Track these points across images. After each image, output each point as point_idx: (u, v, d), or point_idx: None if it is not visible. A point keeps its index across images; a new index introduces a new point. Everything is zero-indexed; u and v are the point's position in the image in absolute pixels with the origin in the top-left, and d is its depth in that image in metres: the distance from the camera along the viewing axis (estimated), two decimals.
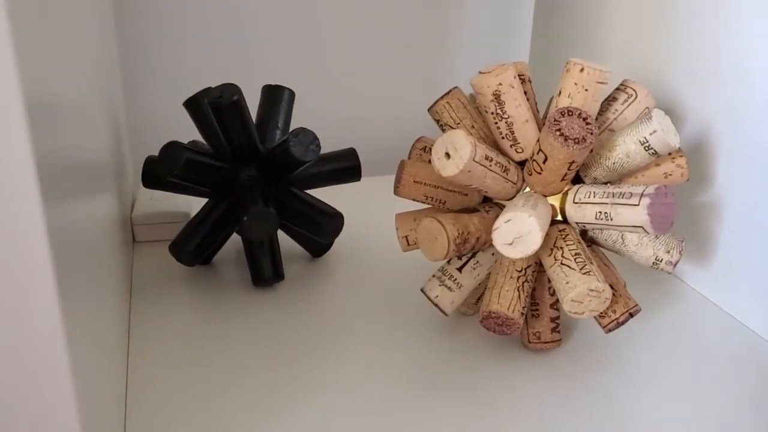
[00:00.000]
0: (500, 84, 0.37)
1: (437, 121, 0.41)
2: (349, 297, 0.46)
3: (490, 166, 0.36)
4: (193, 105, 0.47)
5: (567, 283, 0.35)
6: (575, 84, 0.38)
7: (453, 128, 0.40)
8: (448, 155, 0.36)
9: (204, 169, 0.44)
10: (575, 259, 0.36)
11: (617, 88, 0.42)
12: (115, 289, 0.37)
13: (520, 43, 0.72)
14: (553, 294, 0.40)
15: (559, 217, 0.39)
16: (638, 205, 0.35)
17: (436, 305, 0.40)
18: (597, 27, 0.57)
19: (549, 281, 0.40)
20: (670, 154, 0.40)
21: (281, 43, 0.67)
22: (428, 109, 0.41)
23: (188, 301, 0.46)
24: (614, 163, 0.38)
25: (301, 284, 0.48)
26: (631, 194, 0.35)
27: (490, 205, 0.40)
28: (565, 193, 0.38)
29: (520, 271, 0.38)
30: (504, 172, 0.37)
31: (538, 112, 0.41)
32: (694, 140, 0.47)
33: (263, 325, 0.43)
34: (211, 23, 0.65)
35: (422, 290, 0.40)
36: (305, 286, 0.48)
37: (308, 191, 0.50)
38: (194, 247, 0.46)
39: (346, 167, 0.49)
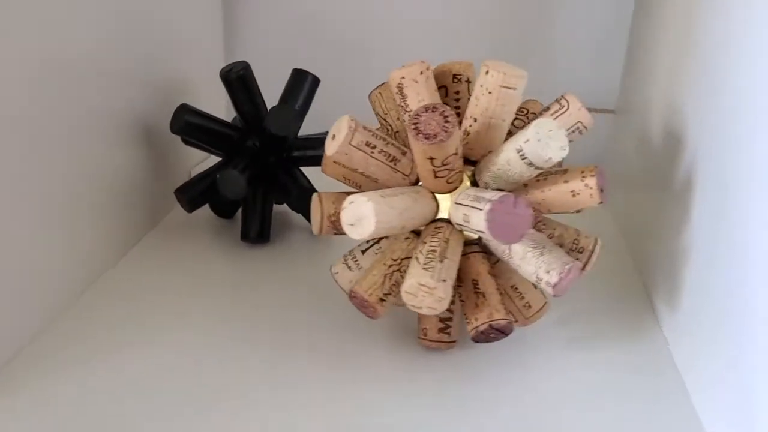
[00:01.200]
0: (403, 78, 0.38)
1: (373, 108, 0.43)
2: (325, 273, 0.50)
3: (372, 153, 0.38)
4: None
5: (408, 274, 0.36)
6: (480, 86, 0.37)
7: (380, 118, 0.42)
8: (333, 137, 0.38)
9: (204, 132, 0.51)
10: (426, 254, 0.36)
11: (556, 100, 0.40)
12: (122, 223, 0.45)
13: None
14: (455, 296, 0.40)
15: (446, 215, 0.39)
16: (482, 210, 0.34)
17: (335, 281, 0.42)
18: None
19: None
20: (582, 172, 0.37)
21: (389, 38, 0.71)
22: (368, 96, 0.43)
23: (188, 249, 0.53)
24: (498, 169, 0.37)
25: (292, 253, 0.53)
26: (483, 199, 0.34)
27: None
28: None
29: (395, 261, 0.39)
30: (391, 161, 0.38)
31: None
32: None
33: (241, 279, 0.49)
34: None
35: (330, 267, 0.43)
36: (295, 256, 0.52)
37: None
38: (192, 196, 0.52)
39: None
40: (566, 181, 0.38)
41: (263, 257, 0.51)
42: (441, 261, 0.36)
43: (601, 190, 0.37)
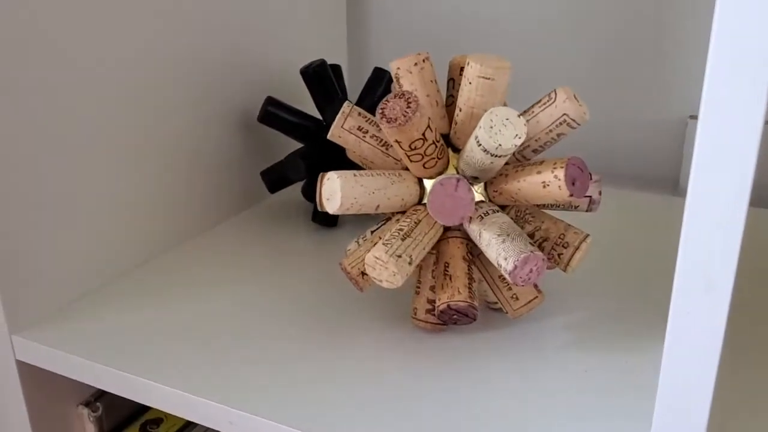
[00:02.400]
0: (398, 68, 0.41)
1: None
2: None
3: (364, 137, 0.41)
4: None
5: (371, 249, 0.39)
6: (464, 77, 0.39)
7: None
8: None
9: (282, 122, 0.57)
10: (393, 232, 0.39)
11: (548, 93, 0.40)
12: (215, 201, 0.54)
13: None
14: (434, 277, 0.42)
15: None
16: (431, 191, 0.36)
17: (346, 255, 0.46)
18: None
19: (433, 264, 0.42)
20: (555, 163, 0.37)
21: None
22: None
23: (270, 228, 0.59)
24: (467, 156, 0.38)
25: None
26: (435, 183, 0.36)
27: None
28: None
29: (380, 239, 0.42)
30: (383, 146, 0.41)
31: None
32: None
33: (298, 270, 0.54)
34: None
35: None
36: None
37: None
38: (272, 179, 0.59)
39: None
40: (539, 172, 0.38)
41: (327, 239, 0.56)
42: (403, 239, 0.38)
43: (573, 183, 0.37)
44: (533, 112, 0.39)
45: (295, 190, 0.66)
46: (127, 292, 0.48)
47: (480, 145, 0.36)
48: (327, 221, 0.57)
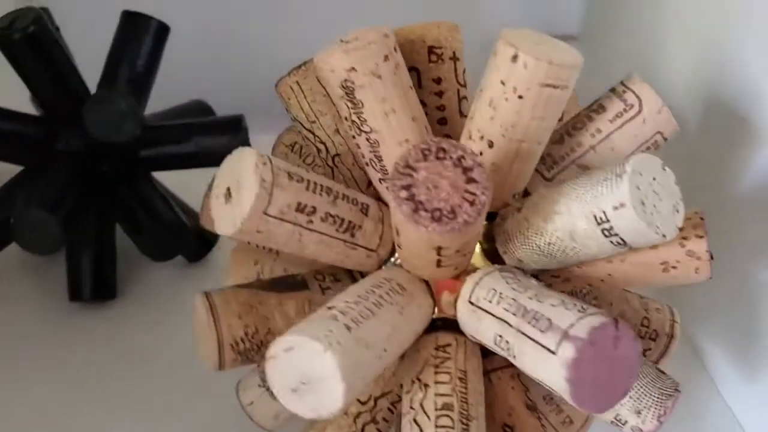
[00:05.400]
0: (353, 70, 0.20)
1: (286, 110, 0.24)
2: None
3: (310, 223, 0.20)
4: None
5: None
6: (502, 83, 0.20)
7: (303, 127, 0.24)
8: (229, 194, 0.20)
9: None
10: (437, 418, 0.20)
11: (612, 90, 0.23)
12: None
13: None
14: None
15: (451, 313, 0.22)
16: (555, 352, 0.17)
17: (247, 414, 0.25)
18: None
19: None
20: (681, 232, 0.21)
21: None
22: (275, 86, 0.24)
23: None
24: (550, 244, 0.20)
25: (152, 297, 0.34)
26: (550, 323, 0.18)
27: (336, 276, 0.23)
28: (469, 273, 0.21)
29: (364, 402, 0.22)
30: (346, 231, 0.21)
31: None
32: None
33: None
34: None
35: (236, 387, 0.25)
36: (155, 301, 0.34)
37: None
38: None
39: (225, 143, 0.33)
40: (655, 246, 0.22)
41: (103, 321, 0.33)
42: (467, 425, 0.20)
43: (711, 258, 0.22)
44: (600, 131, 0.22)
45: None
46: None
47: (614, 234, 0.18)
48: (98, 293, 0.33)
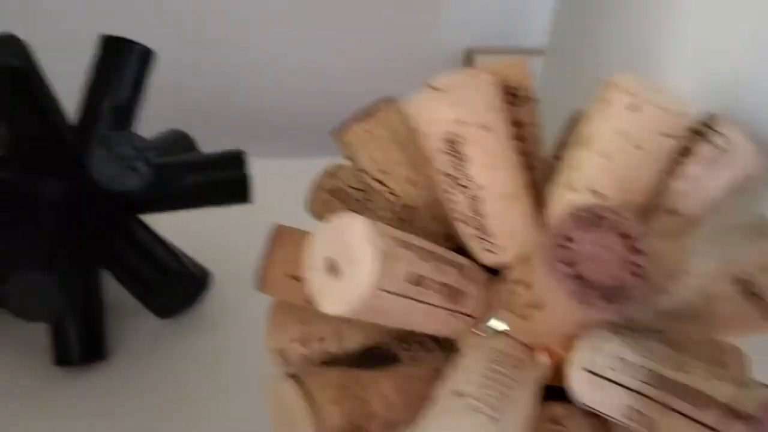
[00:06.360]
0: (458, 121, 0.18)
1: (349, 159, 0.22)
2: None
3: (420, 294, 0.18)
4: None
5: None
6: (615, 132, 0.18)
7: (369, 176, 0.21)
8: (334, 268, 0.17)
9: None
10: None
11: (696, 129, 0.22)
12: None
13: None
14: None
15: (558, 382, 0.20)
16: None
17: None
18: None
19: None
20: None
21: None
22: (332, 134, 0.22)
23: None
24: (675, 305, 0.19)
25: (143, 356, 0.30)
26: (708, 398, 0.16)
27: (422, 342, 0.21)
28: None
29: None
30: (449, 299, 0.19)
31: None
32: None
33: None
34: None
35: None
36: (147, 360, 0.30)
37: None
38: None
39: (225, 180, 0.30)
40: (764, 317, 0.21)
41: (95, 384, 0.29)
42: None
43: None
44: (688, 177, 0.21)
45: None
46: None
47: (763, 295, 0.17)
48: (88, 355, 0.29)
